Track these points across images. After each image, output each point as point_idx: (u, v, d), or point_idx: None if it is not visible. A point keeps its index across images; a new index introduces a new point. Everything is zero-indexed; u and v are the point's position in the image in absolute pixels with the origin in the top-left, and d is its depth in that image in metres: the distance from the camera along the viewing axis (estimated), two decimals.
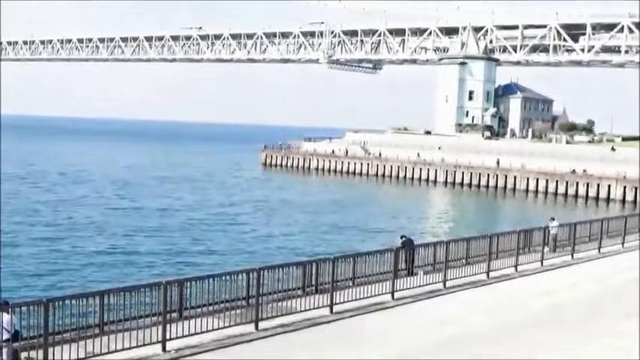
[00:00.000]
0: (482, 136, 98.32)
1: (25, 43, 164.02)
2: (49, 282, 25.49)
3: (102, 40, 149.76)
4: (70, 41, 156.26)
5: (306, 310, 12.63)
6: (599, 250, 22.26)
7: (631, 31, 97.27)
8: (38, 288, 24.25)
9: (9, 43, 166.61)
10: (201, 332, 10.87)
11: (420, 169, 79.85)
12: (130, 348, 10.02)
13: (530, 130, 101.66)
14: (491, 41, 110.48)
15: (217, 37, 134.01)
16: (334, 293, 13.21)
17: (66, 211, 44.57)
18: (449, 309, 14.03)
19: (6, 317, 10.24)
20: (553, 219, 22.72)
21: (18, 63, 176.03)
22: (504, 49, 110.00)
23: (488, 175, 74.29)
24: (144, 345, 10.16)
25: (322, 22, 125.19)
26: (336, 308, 13.11)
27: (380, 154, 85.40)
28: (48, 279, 26.13)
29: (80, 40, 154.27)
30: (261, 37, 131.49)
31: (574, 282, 17.41)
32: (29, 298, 11.39)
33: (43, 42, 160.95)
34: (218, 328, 11.10)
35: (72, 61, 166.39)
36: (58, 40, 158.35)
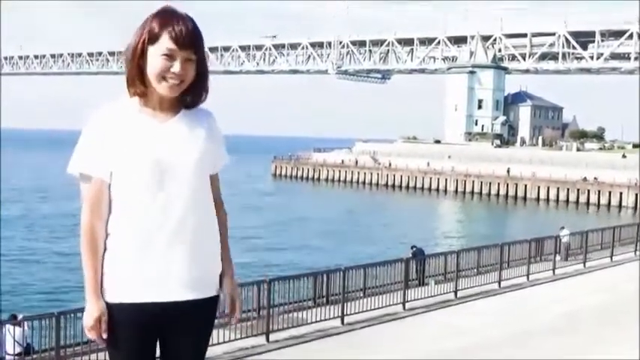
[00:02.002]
0: (492, 144, 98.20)
1: (36, 57, 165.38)
2: (61, 295, 25.55)
3: (112, 54, 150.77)
4: (80, 55, 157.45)
5: (317, 322, 12.60)
6: (611, 259, 22.11)
7: None
8: (50, 301, 24.33)
9: (20, 58, 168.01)
10: (213, 344, 10.85)
11: (430, 179, 79.72)
12: None
13: (540, 138, 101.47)
14: (499, 50, 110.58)
15: (226, 48, 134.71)
16: (345, 304, 13.17)
17: (77, 225, 44.69)
18: (461, 319, 13.97)
19: (18, 330, 10.30)
20: (563, 228, 22.65)
21: (33, 77, 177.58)
22: (513, 58, 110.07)
23: (499, 183, 74.09)
24: (155, 357, 10.14)
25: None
26: (347, 319, 13.07)
27: (390, 164, 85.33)
28: (60, 292, 26.21)
29: (90, 54, 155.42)
30: (270, 49, 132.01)
31: (586, 290, 17.30)
32: (41, 312, 11.43)
33: (53, 56, 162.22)
34: (229, 340, 11.08)
35: (82, 75, 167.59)
36: (68, 54, 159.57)
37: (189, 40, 2.37)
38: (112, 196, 2.42)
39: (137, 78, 2.39)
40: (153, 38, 2.36)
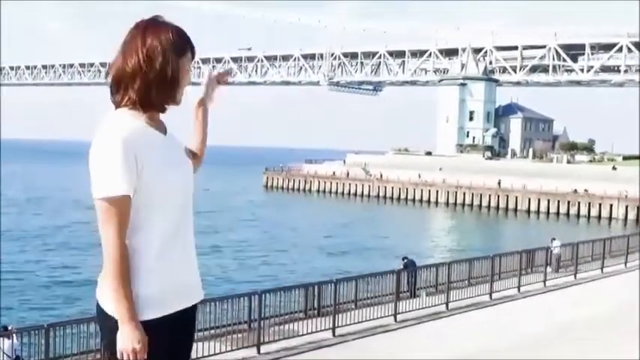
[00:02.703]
0: (483, 156, 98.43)
1: (28, 67, 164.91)
2: (51, 308, 25.41)
3: (104, 65, 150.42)
4: (71, 66, 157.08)
5: (308, 334, 12.57)
6: (601, 270, 22.18)
7: (630, 50, 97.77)
8: (40, 314, 24.18)
9: (11, 68, 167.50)
10: (204, 356, 10.81)
11: (421, 191, 79.78)
12: None
13: (530, 150, 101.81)
14: (490, 62, 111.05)
15: (218, 60, 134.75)
16: (336, 316, 13.14)
17: (71, 237, 44.55)
18: (452, 330, 13.97)
19: (7, 342, 10.24)
20: (554, 239, 22.71)
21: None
22: (504, 70, 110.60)
23: (490, 195, 74.22)
24: None
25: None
26: (338, 331, 13.04)
27: (381, 176, 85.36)
28: (50, 304, 26.06)
29: (82, 65, 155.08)
30: (262, 60, 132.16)
31: (577, 302, 17.34)
32: (31, 324, 11.35)
33: (45, 67, 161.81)
34: (220, 352, 11.05)
35: (74, 86, 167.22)
36: (59, 65, 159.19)
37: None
38: (138, 214, 2.35)
39: (167, 88, 2.41)
40: (182, 51, 2.42)
